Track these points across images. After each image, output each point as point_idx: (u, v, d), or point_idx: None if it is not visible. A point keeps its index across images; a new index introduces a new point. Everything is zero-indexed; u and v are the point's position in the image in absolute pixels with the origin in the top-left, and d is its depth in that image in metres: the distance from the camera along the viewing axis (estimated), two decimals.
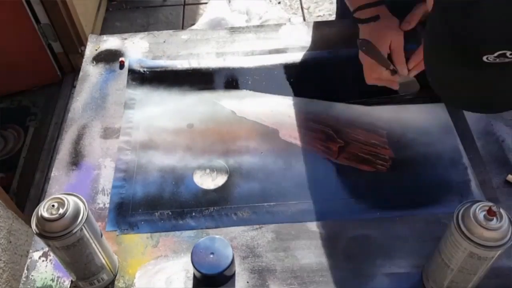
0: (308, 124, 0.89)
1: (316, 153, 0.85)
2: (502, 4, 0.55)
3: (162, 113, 0.92)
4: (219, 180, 0.82)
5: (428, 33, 0.66)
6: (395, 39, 0.83)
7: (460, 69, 0.64)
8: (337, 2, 1.19)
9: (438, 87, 0.69)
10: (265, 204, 0.79)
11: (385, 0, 0.89)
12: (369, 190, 0.80)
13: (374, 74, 0.87)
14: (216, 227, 0.77)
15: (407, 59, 0.85)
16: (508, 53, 0.57)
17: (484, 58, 0.58)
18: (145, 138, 0.88)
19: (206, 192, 0.81)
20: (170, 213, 0.78)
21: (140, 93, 0.96)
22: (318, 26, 1.08)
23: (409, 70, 0.85)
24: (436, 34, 0.65)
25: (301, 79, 0.97)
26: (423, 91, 0.86)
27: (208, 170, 0.84)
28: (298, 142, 0.87)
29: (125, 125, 0.91)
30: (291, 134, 0.88)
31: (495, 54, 0.57)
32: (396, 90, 0.88)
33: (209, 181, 0.82)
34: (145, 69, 1.00)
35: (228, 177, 0.82)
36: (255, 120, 0.91)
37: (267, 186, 0.81)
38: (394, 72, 0.84)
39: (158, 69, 1.00)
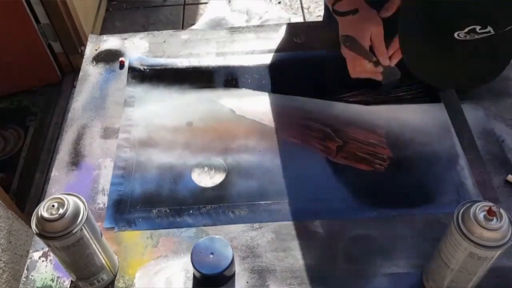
0: (307, 123, 0.89)
1: (314, 152, 0.85)
2: None
3: (161, 111, 0.93)
4: (217, 178, 0.82)
5: (403, 13, 0.68)
6: (375, 31, 0.84)
7: (434, 46, 0.65)
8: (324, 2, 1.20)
9: (413, 65, 0.71)
10: (263, 202, 0.79)
11: None
12: (367, 190, 0.80)
13: (358, 68, 0.88)
14: (213, 225, 0.77)
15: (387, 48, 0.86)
16: (477, 28, 0.58)
17: (456, 35, 0.60)
18: (144, 136, 0.89)
19: (204, 190, 0.81)
20: (168, 210, 0.79)
21: (140, 91, 0.96)
22: (315, 25, 1.07)
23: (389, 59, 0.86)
24: (411, 13, 0.66)
25: (300, 78, 0.97)
26: (405, 78, 0.87)
27: (206, 168, 0.84)
28: (296, 140, 0.87)
29: (124, 122, 0.91)
30: (290, 132, 0.88)
31: (465, 30, 0.59)
32: (380, 80, 0.89)
33: (207, 179, 0.82)
34: (145, 67, 1.00)
35: (226, 175, 0.83)
36: (254, 118, 0.91)
37: (265, 184, 0.81)
38: (377, 63, 0.85)
39: (158, 67, 1.00)
